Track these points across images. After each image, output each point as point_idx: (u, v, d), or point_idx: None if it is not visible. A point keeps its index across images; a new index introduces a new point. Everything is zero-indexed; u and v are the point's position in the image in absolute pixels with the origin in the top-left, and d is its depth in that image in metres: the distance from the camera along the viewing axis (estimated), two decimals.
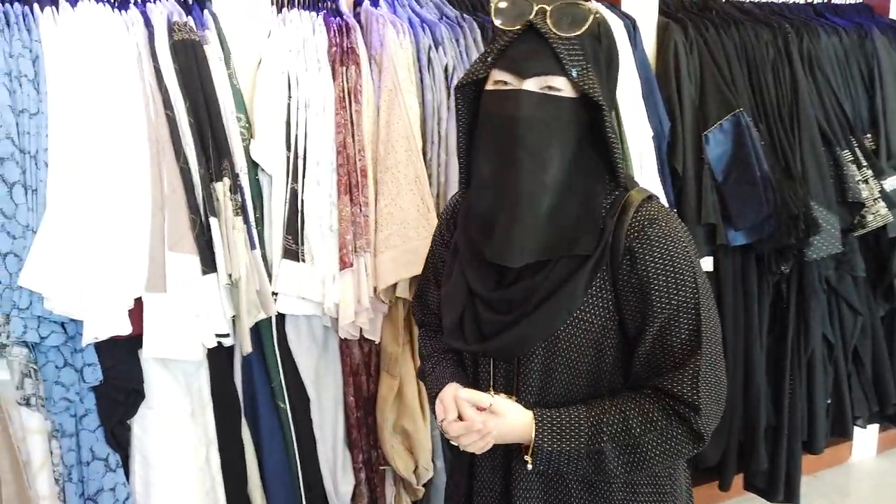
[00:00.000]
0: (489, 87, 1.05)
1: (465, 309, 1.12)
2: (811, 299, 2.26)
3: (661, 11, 2.20)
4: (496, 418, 1.04)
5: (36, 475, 1.50)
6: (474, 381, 1.18)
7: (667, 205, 1.98)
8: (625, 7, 2.12)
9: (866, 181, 2.25)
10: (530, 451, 1.05)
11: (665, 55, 2.11)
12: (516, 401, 1.11)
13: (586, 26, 1.00)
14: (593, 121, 1.04)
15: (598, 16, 1.03)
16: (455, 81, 1.71)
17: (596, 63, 1.03)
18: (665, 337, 1.06)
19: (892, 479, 2.84)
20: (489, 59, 1.04)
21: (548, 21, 1.00)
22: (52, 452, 1.52)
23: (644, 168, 1.99)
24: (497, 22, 1.03)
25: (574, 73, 1.00)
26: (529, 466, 1.06)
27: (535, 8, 1.00)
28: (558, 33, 1.00)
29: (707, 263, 2.17)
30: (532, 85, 1.01)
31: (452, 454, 1.33)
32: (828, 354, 2.40)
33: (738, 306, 2.24)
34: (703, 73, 2.13)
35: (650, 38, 2.15)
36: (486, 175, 1.06)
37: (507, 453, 1.15)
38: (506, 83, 1.02)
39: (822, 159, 2.19)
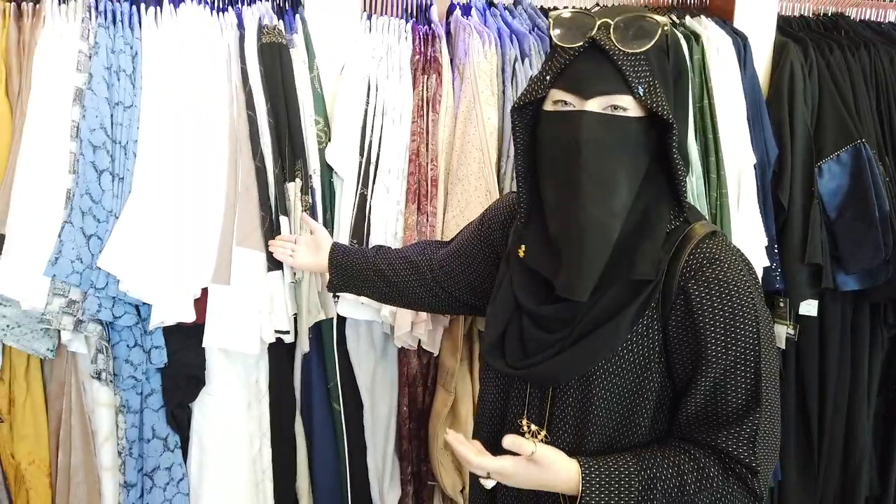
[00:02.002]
0: (548, 107, 0.99)
1: (508, 324, 1.08)
2: None
3: (781, 30, 2.02)
4: (537, 468, 0.97)
5: (101, 446, 1.60)
6: (504, 406, 1.14)
7: (767, 240, 1.85)
8: (738, 23, 1.96)
9: None
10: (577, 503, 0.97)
11: (779, 77, 1.94)
12: (547, 434, 1.07)
13: (654, 41, 0.94)
14: (661, 142, 0.98)
15: (666, 28, 0.96)
16: None
17: (664, 79, 0.97)
18: (719, 391, 0.97)
19: None
20: (548, 77, 0.98)
21: (611, 36, 0.93)
22: (117, 426, 1.60)
23: (742, 198, 1.83)
24: (556, 38, 0.97)
25: (640, 91, 0.94)
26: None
27: (598, 22, 0.94)
28: (623, 49, 0.93)
29: (811, 308, 1.97)
30: (595, 105, 0.95)
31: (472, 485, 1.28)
32: None
33: (845, 358, 2.03)
34: (822, 98, 1.94)
35: (764, 58, 1.98)
36: (551, 201, 1.01)
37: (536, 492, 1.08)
38: (566, 103, 0.97)
39: None
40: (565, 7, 1.84)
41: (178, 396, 1.62)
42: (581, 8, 1.01)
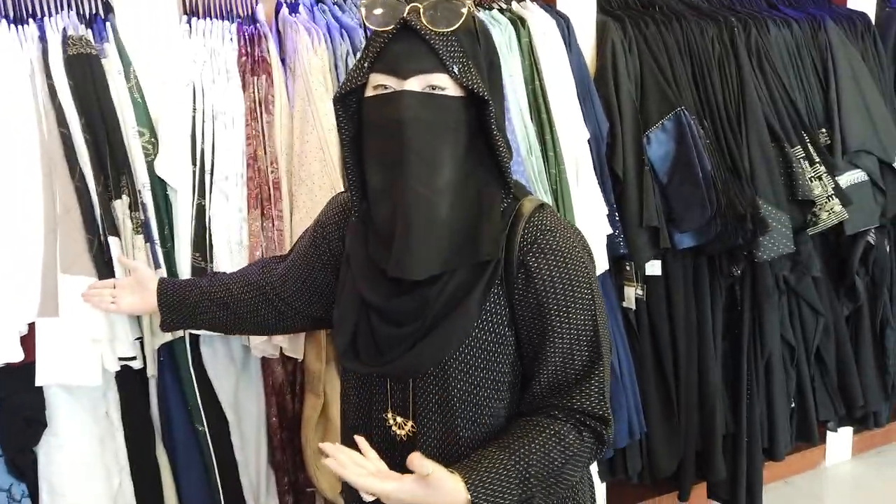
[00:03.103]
0: (369, 93, 1.00)
1: (358, 324, 1.07)
2: (765, 301, 2.19)
3: (602, 9, 2.13)
4: (428, 489, 0.93)
5: None
6: (368, 402, 1.13)
7: (607, 209, 1.95)
8: (560, 5, 2.05)
9: (819, 178, 2.17)
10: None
11: (602, 54, 2.05)
12: (414, 425, 1.08)
13: (461, 21, 0.97)
14: (481, 121, 1.00)
15: (472, 11, 0.99)
16: None
17: (475, 60, 1.00)
18: (567, 357, 1.03)
19: (867, 482, 2.76)
20: (366, 64, 0.99)
21: (422, 18, 0.96)
22: None
23: (581, 173, 1.93)
24: (369, 24, 0.98)
25: (455, 69, 0.97)
26: None
27: (408, 7, 0.96)
28: (433, 29, 0.96)
29: (655, 267, 2.11)
30: (414, 85, 0.97)
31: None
32: (789, 357, 2.33)
33: (690, 311, 2.17)
34: (643, 71, 2.06)
35: (588, 38, 2.08)
36: (378, 186, 1.01)
37: None
38: (386, 87, 0.98)
39: (770, 157, 2.12)
40: None
41: (18, 442, 1.50)
42: None
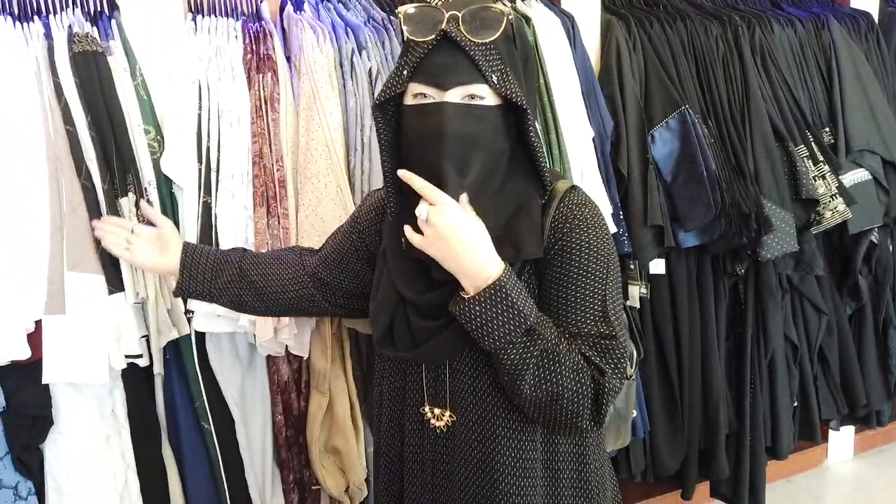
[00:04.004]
0: (409, 101, 1.03)
1: (394, 317, 1.10)
2: (768, 300, 2.19)
3: (606, 8, 2.13)
4: (467, 218, 0.98)
5: None
6: (402, 396, 1.16)
7: (612, 208, 1.95)
8: (565, 4, 2.05)
9: (823, 177, 2.17)
10: (487, 283, 0.98)
11: (607, 53, 2.05)
12: (452, 414, 1.10)
13: (501, 30, 0.99)
14: (519, 127, 1.04)
15: (511, 17, 1.02)
16: (380, 86, 1.66)
17: (513, 65, 1.02)
18: (575, 308, 1.05)
19: (869, 481, 2.76)
20: (405, 72, 1.01)
21: (461, 28, 0.98)
22: None
23: (585, 171, 1.92)
24: (408, 33, 1.01)
25: (494, 79, 0.99)
26: (471, 293, 0.99)
27: (447, 15, 0.98)
28: (474, 39, 0.98)
29: (659, 266, 2.11)
30: (454, 96, 1.00)
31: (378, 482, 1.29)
32: (792, 356, 2.33)
33: (694, 309, 2.18)
34: (648, 70, 2.06)
35: (592, 37, 2.08)
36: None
37: (434, 472, 1.13)
38: (426, 96, 1.01)
39: (774, 155, 2.12)
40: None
41: (24, 440, 1.50)
42: (425, 2, 1.04)
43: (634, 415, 1.42)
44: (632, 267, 2.07)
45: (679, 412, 2.18)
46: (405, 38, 1.02)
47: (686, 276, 2.15)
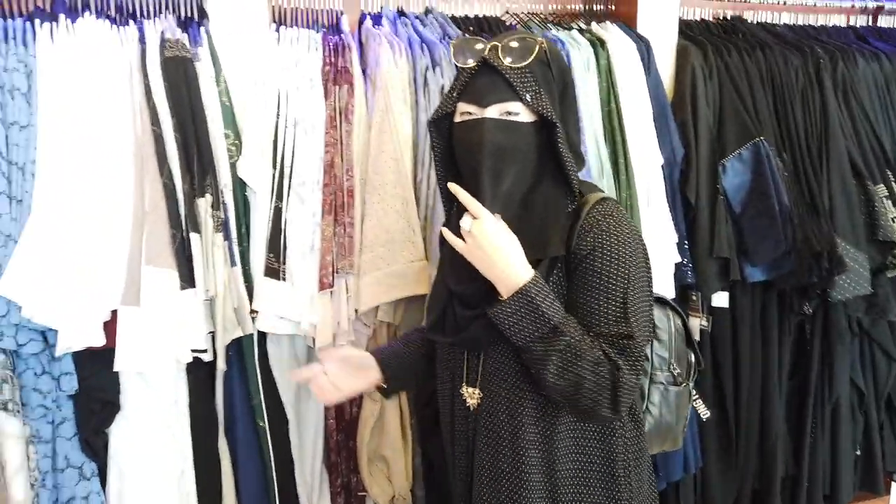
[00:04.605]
0: (457, 118, 1.19)
1: (445, 308, 1.23)
2: (836, 343, 2.12)
3: (682, 34, 2.11)
4: (510, 238, 1.10)
5: (11, 479, 1.53)
6: (451, 380, 1.29)
7: (677, 237, 1.92)
8: (641, 29, 2.04)
9: None
10: (517, 288, 1.08)
11: (681, 80, 2.02)
12: (480, 391, 1.22)
13: (533, 56, 1.14)
14: (550, 140, 1.15)
15: (543, 46, 1.16)
16: None
17: (547, 87, 1.16)
18: (595, 320, 1.12)
19: None
20: (454, 94, 1.19)
21: (499, 55, 1.14)
22: (28, 458, 1.54)
23: (652, 197, 1.90)
24: (456, 61, 1.19)
25: (528, 97, 1.13)
26: (505, 296, 1.09)
27: (489, 46, 1.15)
28: (509, 64, 1.14)
29: (722, 299, 2.06)
30: (492, 112, 1.15)
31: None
32: (857, 402, 2.24)
33: (756, 346, 2.12)
34: (723, 99, 2.02)
35: (667, 62, 2.06)
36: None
37: (469, 448, 1.24)
38: (470, 113, 1.16)
39: (851, 194, 2.05)
40: (485, 18, 1.90)
41: (93, 423, 1.57)
42: (476, 36, 1.22)
43: (685, 422, 1.46)
44: (694, 298, 2.03)
45: (734, 450, 2.12)
46: (455, 65, 1.20)
47: (750, 311, 2.10)
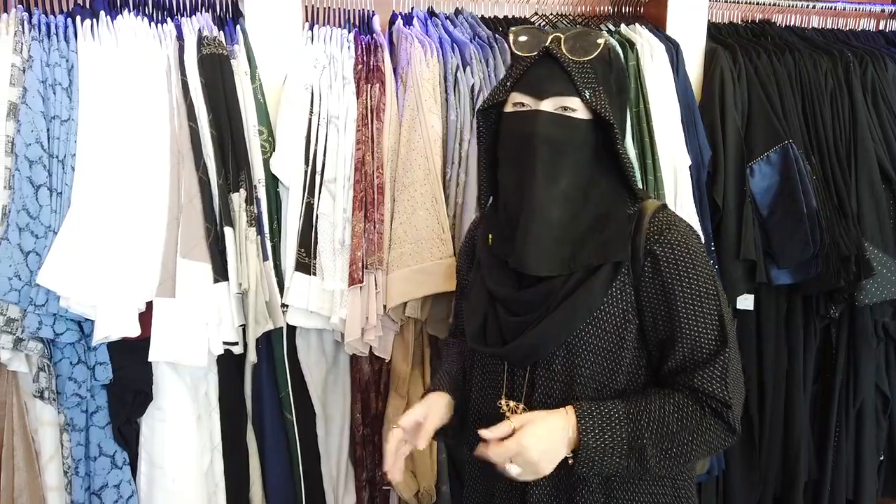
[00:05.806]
0: (509, 109, 1.12)
1: (487, 315, 1.16)
2: (862, 348, 2.10)
3: (711, 37, 2.11)
4: (527, 436, 1.00)
5: (45, 466, 1.56)
6: (486, 385, 1.20)
7: (703, 238, 1.91)
8: (670, 31, 2.04)
9: None
10: (574, 449, 1.02)
11: (710, 82, 2.02)
12: (525, 407, 1.13)
13: (597, 52, 1.08)
14: (607, 141, 1.09)
15: (607, 43, 1.11)
16: (481, 101, 1.70)
17: (607, 86, 1.10)
18: (696, 344, 1.07)
19: None
20: (508, 83, 1.11)
21: (562, 47, 1.08)
22: (62, 445, 1.57)
23: (679, 198, 1.90)
24: (516, 49, 1.11)
25: (587, 94, 1.07)
26: (571, 463, 1.02)
27: (552, 36, 1.09)
28: (572, 58, 1.07)
29: (747, 302, 2.06)
30: (548, 105, 1.08)
31: (466, 484, 1.31)
32: (882, 407, 2.22)
33: (781, 349, 2.11)
34: (751, 101, 2.02)
35: (695, 64, 2.06)
36: (509, 187, 1.13)
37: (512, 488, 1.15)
38: (524, 105, 1.09)
39: (880, 198, 2.04)
40: (515, 19, 1.90)
41: (125, 412, 1.60)
42: (538, 25, 1.15)
43: None
44: None
45: (757, 453, 2.12)
46: (512, 53, 1.11)
47: (775, 314, 2.09)
